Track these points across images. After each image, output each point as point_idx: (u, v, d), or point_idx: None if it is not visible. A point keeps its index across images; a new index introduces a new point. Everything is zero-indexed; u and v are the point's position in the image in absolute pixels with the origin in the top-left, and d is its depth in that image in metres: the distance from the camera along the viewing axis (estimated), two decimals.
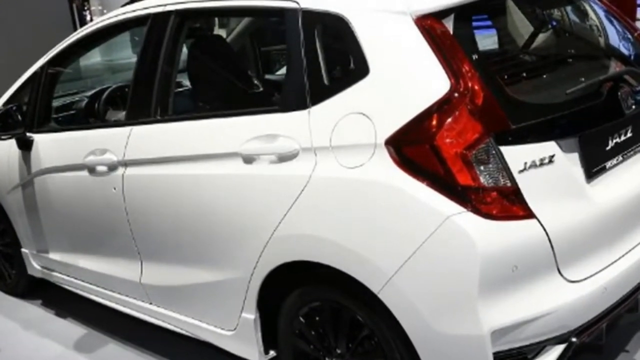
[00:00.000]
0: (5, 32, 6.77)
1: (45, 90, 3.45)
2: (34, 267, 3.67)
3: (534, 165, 2.09)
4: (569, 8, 2.84)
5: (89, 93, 3.92)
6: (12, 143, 3.48)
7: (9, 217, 3.72)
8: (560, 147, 2.15)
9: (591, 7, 2.81)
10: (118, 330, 3.32)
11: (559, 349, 2.09)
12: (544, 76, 2.44)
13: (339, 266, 2.15)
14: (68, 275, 3.43)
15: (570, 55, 2.69)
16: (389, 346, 2.16)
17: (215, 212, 2.48)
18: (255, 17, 3.83)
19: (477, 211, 1.99)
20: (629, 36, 2.79)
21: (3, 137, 3.58)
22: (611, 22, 2.80)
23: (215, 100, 2.99)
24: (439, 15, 2.08)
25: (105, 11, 7.85)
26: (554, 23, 2.85)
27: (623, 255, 2.25)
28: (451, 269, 2.01)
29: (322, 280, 2.29)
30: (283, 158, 2.26)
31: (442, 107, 2.00)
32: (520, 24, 2.80)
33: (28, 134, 3.39)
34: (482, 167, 2.01)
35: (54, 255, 3.47)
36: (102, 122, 3.49)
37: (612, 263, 2.21)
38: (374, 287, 2.09)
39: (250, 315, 2.47)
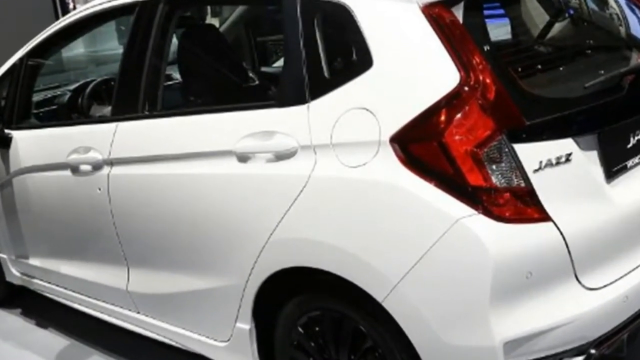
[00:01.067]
0: None
1: (25, 83, 3.45)
2: (13, 273, 3.67)
3: (549, 164, 2.09)
4: None
5: (72, 87, 3.92)
6: None
7: None
8: (578, 144, 2.15)
9: None
10: (103, 341, 3.33)
11: None
12: (561, 69, 2.44)
13: (340, 273, 2.15)
14: (49, 282, 3.44)
15: (588, 46, 2.69)
16: (394, 358, 2.16)
17: (208, 214, 2.48)
18: (250, 5, 3.83)
19: (488, 213, 1.99)
20: None
21: None
22: (632, 10, 2.80)
23: (207, 95, 3.00)
24: (448, 3, 2.09)
25: None
26: (571, 11, 2.85)
27: None
28: (461, 276, 2.01)
29: (323, 287, 2.29)
30: (280, 156, 2.26)
31: (451, 101, 2.00)
32: (535, 13, 2.80)
33: (6, 131, 3.39)
34: (494, 166, 2.01)
35: (34, 261, 3.48)
36: (86, 118, 3.49)
37: (634, 269, 2.21)
38: (377, 295, 2.09)
39: (245, 325, 2.47)
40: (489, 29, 2.19)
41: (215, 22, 4.27)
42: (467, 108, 2.00)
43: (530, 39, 2.70)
